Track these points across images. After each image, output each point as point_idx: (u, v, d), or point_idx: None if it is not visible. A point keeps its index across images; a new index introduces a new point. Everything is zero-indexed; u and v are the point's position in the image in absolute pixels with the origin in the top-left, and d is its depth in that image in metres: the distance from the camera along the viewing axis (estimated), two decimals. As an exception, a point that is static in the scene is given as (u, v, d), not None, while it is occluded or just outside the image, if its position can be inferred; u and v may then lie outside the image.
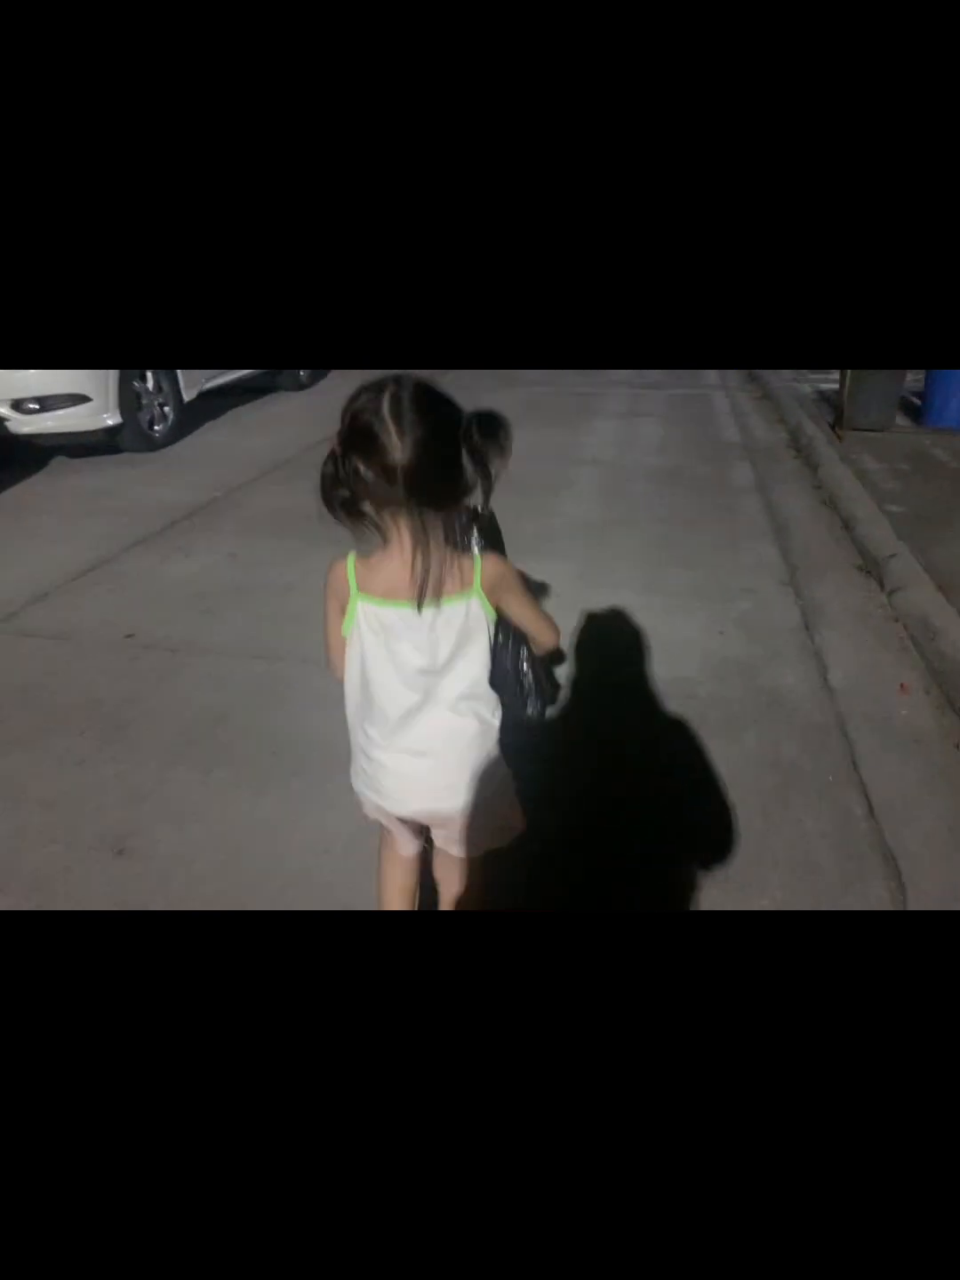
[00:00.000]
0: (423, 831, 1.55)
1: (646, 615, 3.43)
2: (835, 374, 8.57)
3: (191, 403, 6.58)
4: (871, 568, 3.89)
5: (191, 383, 6.58)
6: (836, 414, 6.16)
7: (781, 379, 8.43)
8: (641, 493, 5.07)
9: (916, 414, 6.34)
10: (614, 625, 3.34)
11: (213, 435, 6.75)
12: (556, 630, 1.40)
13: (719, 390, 8.45)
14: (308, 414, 7.64)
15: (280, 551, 4.22)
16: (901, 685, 2.90)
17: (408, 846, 1.59)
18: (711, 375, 9.32)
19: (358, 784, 1.46)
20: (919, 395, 6.41)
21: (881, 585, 3.72)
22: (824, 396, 7.51)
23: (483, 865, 1.55)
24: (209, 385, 6.88)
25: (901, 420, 6.29)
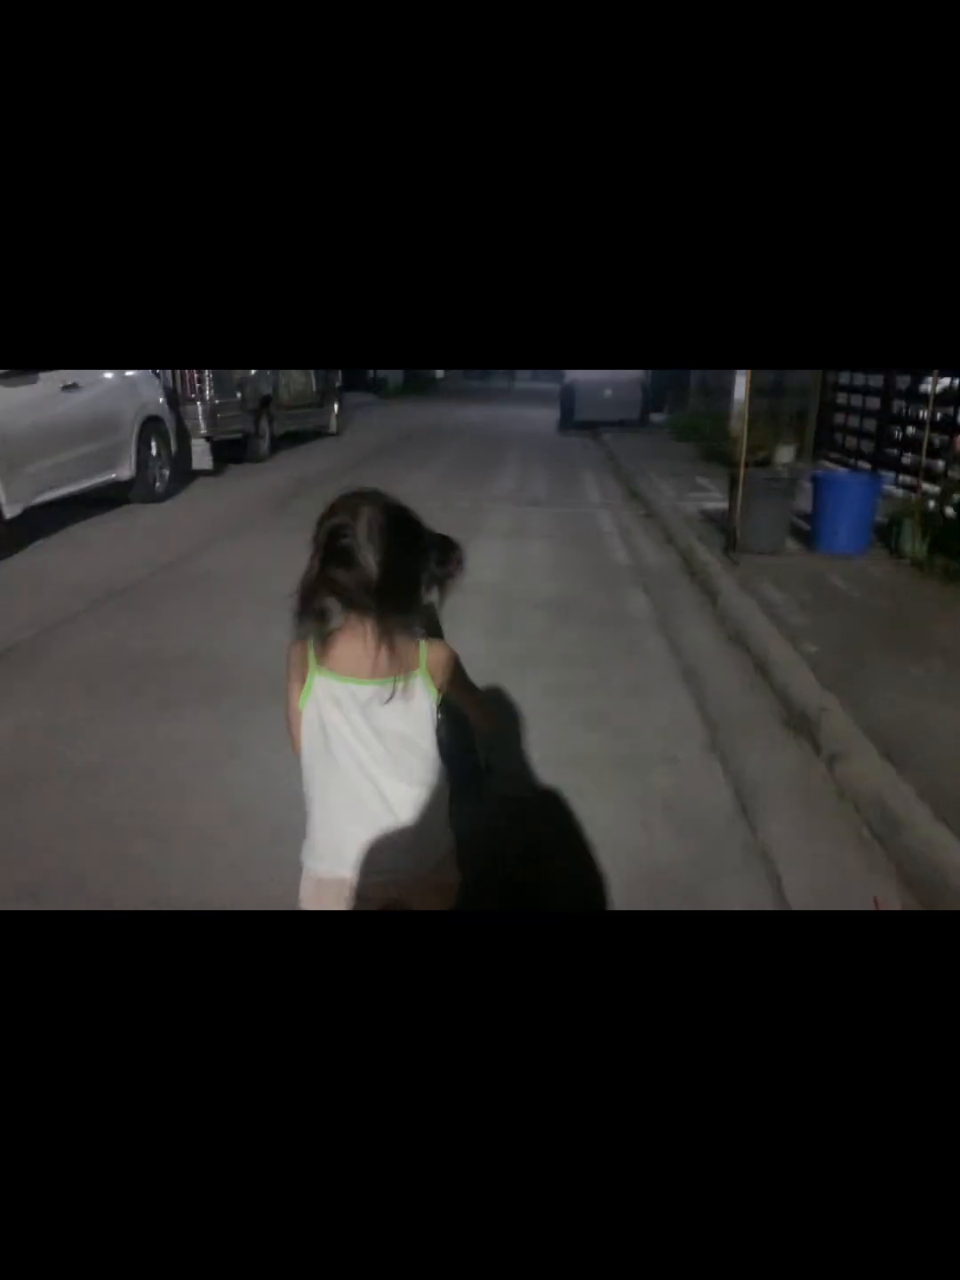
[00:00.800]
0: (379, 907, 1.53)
1: (551, 798, 2.76)
2: (716, 493, 8.49)
3: (16, 519, 5.66)
4: (801, 725, 3.37)
5: (16, 495, 5.67)
6: (729, 538, 5.85)
7: (664, 497, 8.23)
8: (535, 627, 4.50)
9: (806, 538, 6.12)
10: (516, 816, 2.64)
11: (41, 556, 5.82)
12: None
13: (603, 509, 8.16)
14: (161, 530, 6.82)
15: (90, 717, 3.37)
16: (874, 899, 2.30)
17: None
18: (594, 493, 9.08)
19: (309, 860, 1.47)
20: (806, 519, 6.21)
21: (817, 749, 3.19)
22: (709, 517, 7.29)
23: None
24: (41, 498, 5.98)
25: (791, 543, 6.05)
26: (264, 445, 10.50)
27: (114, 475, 7.14)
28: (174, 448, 8.14)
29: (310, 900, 1.47)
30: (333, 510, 1.30)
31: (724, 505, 7.75)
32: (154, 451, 7.75)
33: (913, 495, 6.81)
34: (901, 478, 7.38)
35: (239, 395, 9.61)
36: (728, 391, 15.61)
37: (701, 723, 3.42)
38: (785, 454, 10.21)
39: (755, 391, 13.42)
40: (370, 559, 1.25)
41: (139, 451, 7.43)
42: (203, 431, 8.84)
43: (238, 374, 9.61)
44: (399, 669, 1.34)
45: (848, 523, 5.75)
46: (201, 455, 8.88)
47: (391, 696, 1.34)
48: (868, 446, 8.53)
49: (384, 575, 1.25)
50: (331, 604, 1.30)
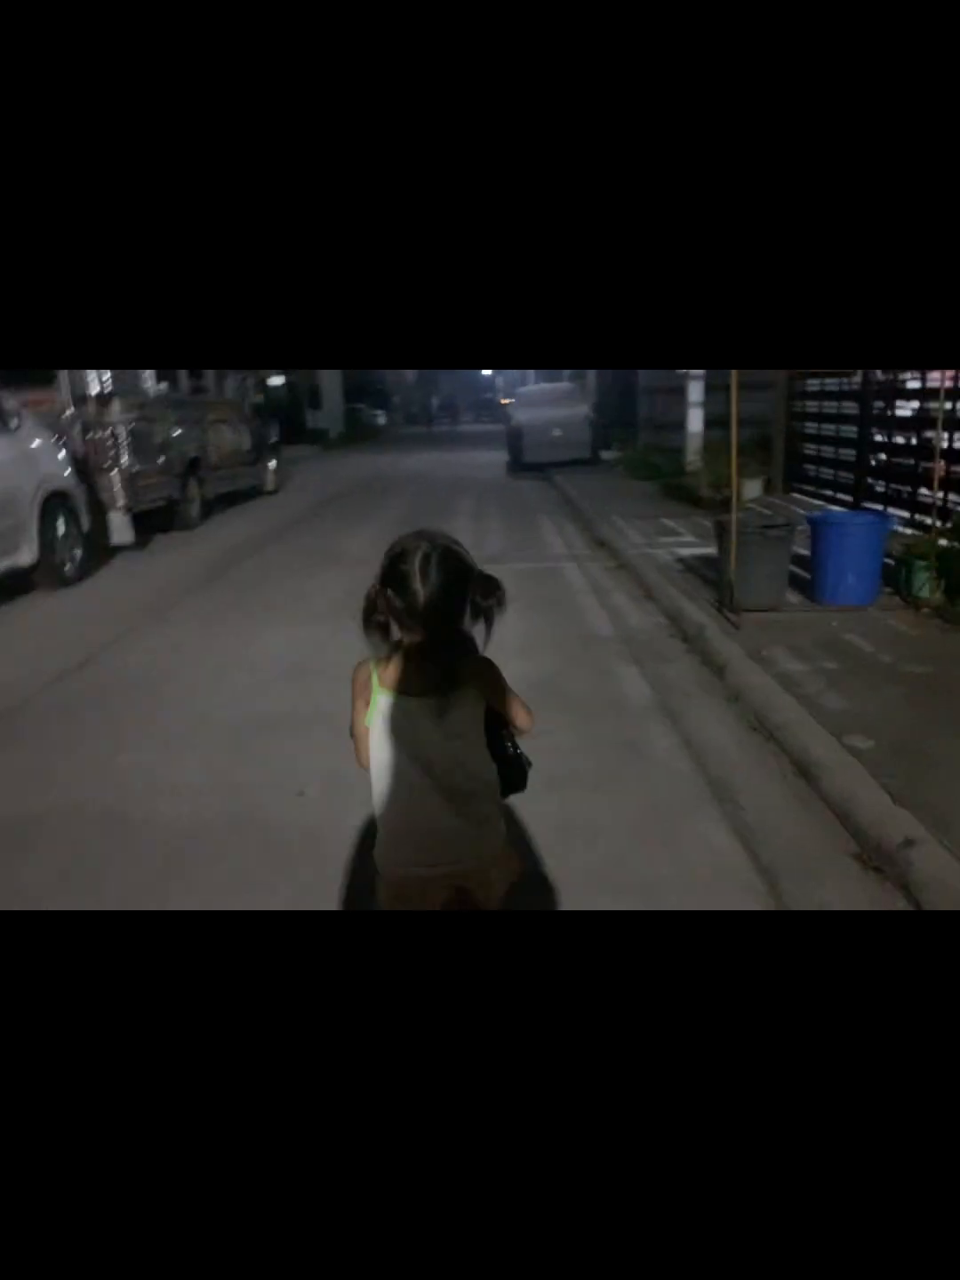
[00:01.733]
0: (452, 904, 1.61)
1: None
2: (689, 537, 7.75)
3: None
4: (883, 864, 2.52)
5: None
6: (726, 594, 5.06)
7: (633, 544, 7.46)
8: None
9: (805, 588, 5.36)
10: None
11: (-88, 669, 4.81)
12: (531, 715, 1.63)
13: (568, 561, 7.35)
14: (67, 622, 5.82)
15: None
16: None
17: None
18: (555, 543, 8.29)
19: (383, 863, 1.61)
20: (801, 564, 5.47)
21: (913, 899, 2.34)
22: (688, 566, 6.52)
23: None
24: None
25: (791, 596, 5.28)
26: (194, 511, 9.56)
27: (12, 561, 6.15)
28: (86, 524, 7.17)
29: (388, 900, 1.62)
30: (397, 543, 1.47)
31: (701, 550, 7.02)
32: (62, 531, 6.77)
33: (912, 531, 6.13)
34: (889, 510, 6.72)
35: (161, 460, 8.68)
36: (679, 425, 15.11)
37: (754, 869, 2.55)
38: (752, 489, 9.59)
39: (708, 422, 12.90)
40: (419, 587, 1.41)
41: (43, 532, 6.46)
42: (120, 503, 7.88)
43: (159, 436, 8.70)
44: (451, 682, 1.49)
45: (855, 569, 5.00)
46: (121, 529, 7.92)
47: (446, 708, 1.49)
48: (845, 478, 7.87)
49: (431, 601, 1.42)
50: (389, 622, 1.47)
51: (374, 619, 1.48)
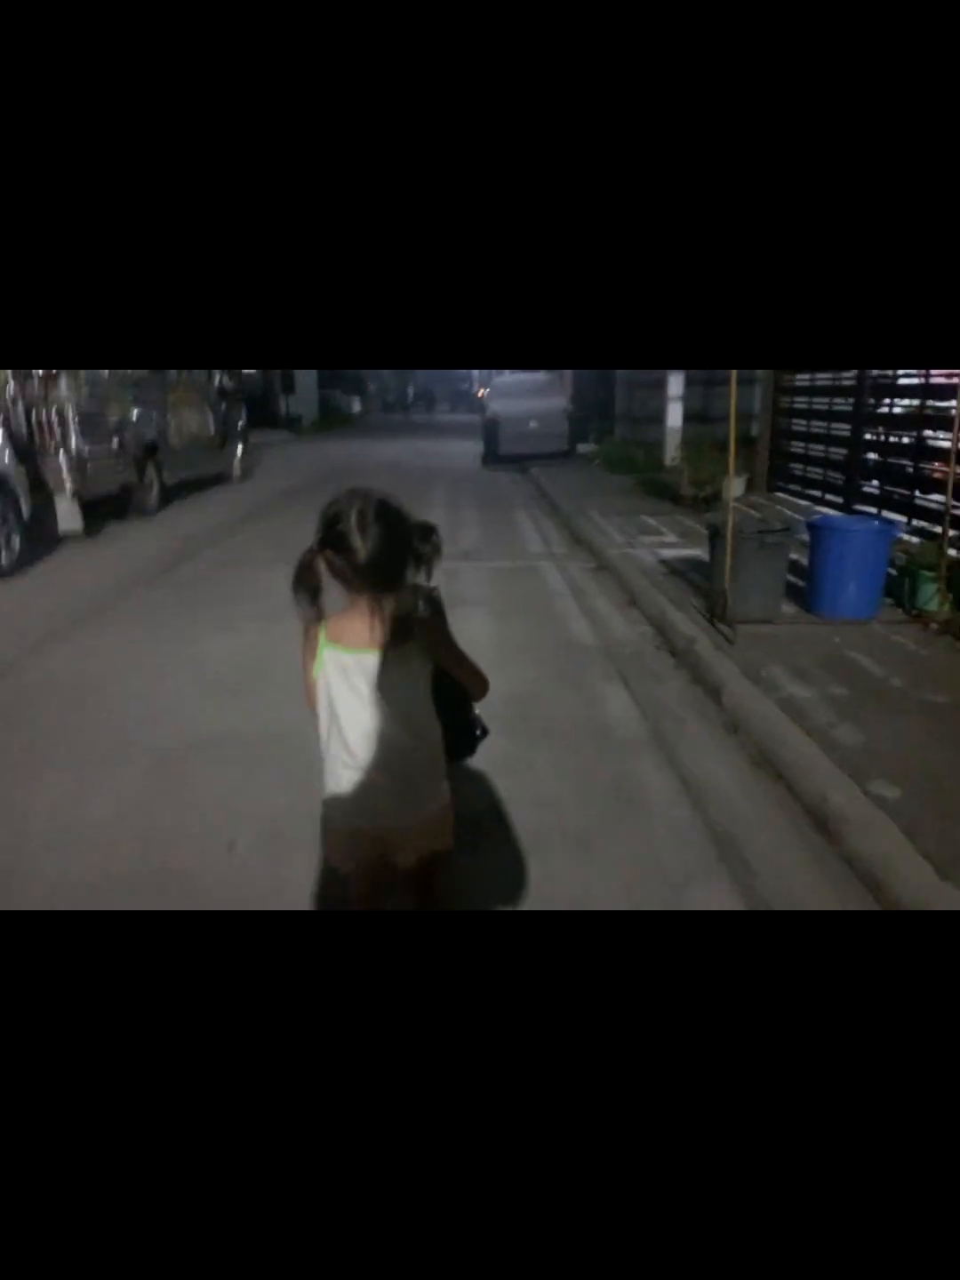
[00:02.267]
0: (377, 865, 1.64)
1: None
2: (671, 536, 7.28)
3: None
4: (933, 957, 2.06)
5: None
6: (718, 603, 4.58)
7: (613, 543, 6.97)
8: (486, 758, 3.12)
9: (800, 596, 4.90)
10: None
11: None
12: (485, 680, 1.62)
13: (546, 560, 6.84)
14: (8, 615, 5.22)
15: None
16: None
17: (374, 873, 1.67)
18: (533, 540, 7.77)
19: (325, 810, 1.62)
20: (798, 575, 5.01)
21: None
22: (673, 568, 6.04)
23: (429, 875, 1.72)
24: None
25: (787, 606, 4.82)
26: (152, 497, 8.91)
27: (-64, 550, 5.52)
28: (26, 510, 6.53)
29: (326, 848, 1.68)
30: (331, 503, 1.45)
31: (685, 552, 6.55)
32: (-3, 516, 6.14)
33: (914, 539, 5.70)
34: (883, 513, 6.28)
35: (116, 443, 8.02)
36: (657, 419, 14.63)
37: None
38: (735, 487, 9.13)
39: (686, 417, 12.44)
40: (359, 543, 1.40)
41: (-28, 518, 5.83)
42: (68, 488, 7.22)
43: (114, 417, 8.04)
44: (394, 639, 1.48)
45: (858, 580, 4.54)
46: (67, 516, 7.26)
47: (389, 663, 1.49)
48: (835, 478, 7.43)
49: (373, 556, 1.41)
50: (321, 583, 1.46)
51: (305, 583, 1.47)
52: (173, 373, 9.58)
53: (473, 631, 4.74)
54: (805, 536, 4.88)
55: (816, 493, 7.78)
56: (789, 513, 7.54)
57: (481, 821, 2.71)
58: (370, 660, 1.48)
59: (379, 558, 1.40)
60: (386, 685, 1.50)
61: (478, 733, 1.72)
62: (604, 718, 3.60)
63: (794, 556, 4.90)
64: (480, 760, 3.11)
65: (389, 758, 1.53)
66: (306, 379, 26.64)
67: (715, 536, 4.64)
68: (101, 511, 8.25)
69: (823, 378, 7.56)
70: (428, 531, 1.48)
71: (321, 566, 1.44)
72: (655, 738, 3.38)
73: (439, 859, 1.69)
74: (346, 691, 1.51)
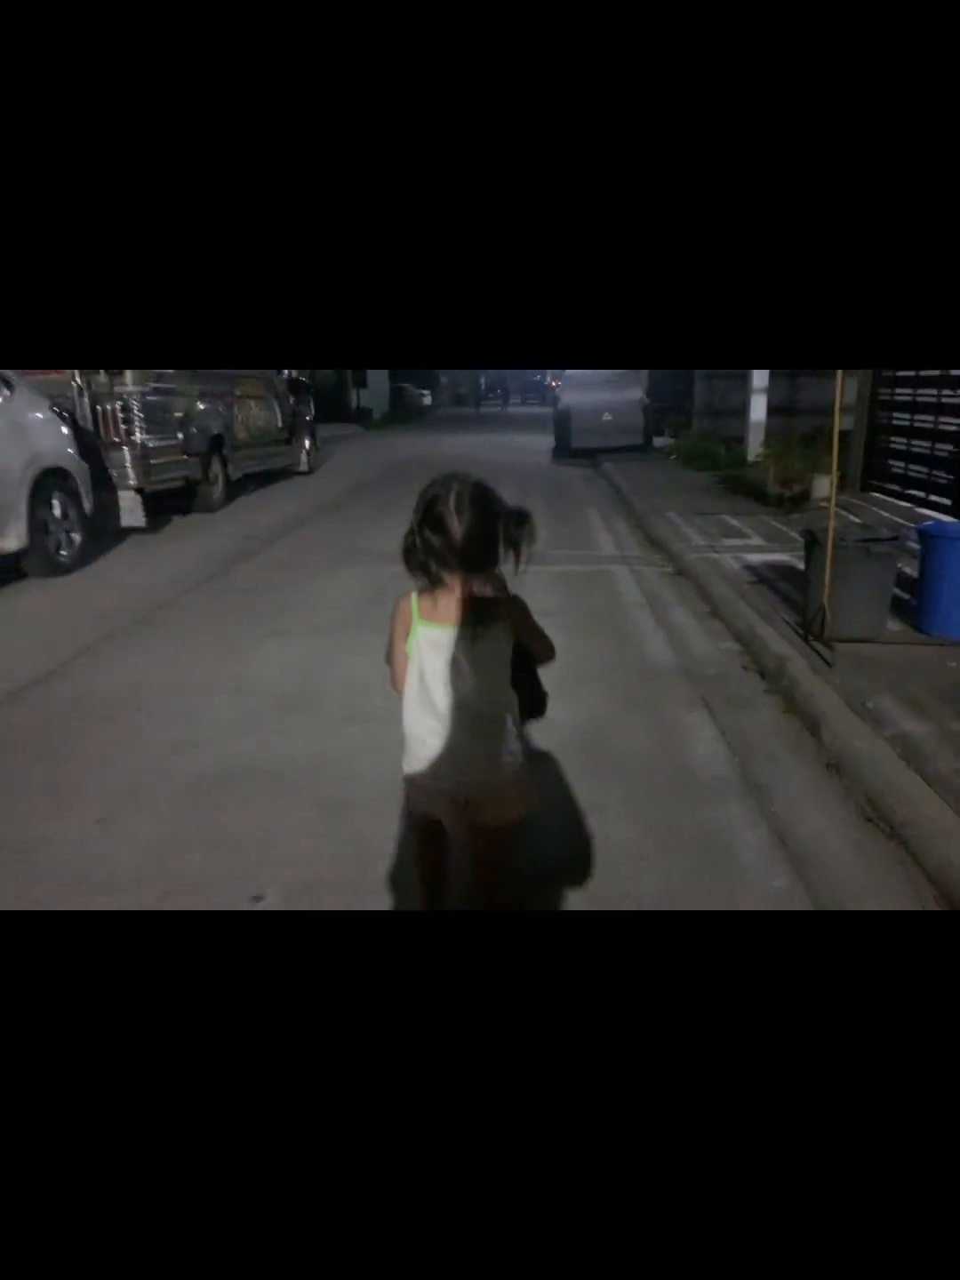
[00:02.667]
0: (452, 824, 1.78)
1: None
2: (756, 538, 6.72)
3: None
4: None
5: None
6: (815, 618, 4.08)
7: (692, 546, 6.46)
8: (557, 802, 2.72)
9: (906, 611, 4.35)
10: None
11: None
12: (554, 649, 1.76)
13: (619, 564, 6.38)
14: (47, 618, 5.03)
15: None
16: None
17: (436, 834, 1.85)
18: (604, 540, 7.31)
19: (409, 769, 1.75)
20: (904, 587, 4.46)
21: None
22: (759, 575, 5.52)
23: (507, 842, 1.83)
24: None
25: (892, 623, 4.28)
26: (216, 492, 8.76)
27: (-5, 547, 5.40)
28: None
29: (410, 801, 1.83)
30: (430, 487, 1.55)
31: (773, 557, 6.01)
32: (57, 512, 6.00)
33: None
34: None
35: (180, 436, 7.87)
36: (738, 412, 13.92)
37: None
38: (823, 486, 8.48)
39: (771, 410, 11.74)
40: (456, 525, 1.50)
41: (33, 513, 5.68)
42: (131, 482, 7.09)
43: (179, 411, 7.89)
44: (484, 616, 1.59)
45: (980, 594, 3.98)
46: (131, 510, 7.13)
47: (477, 639, 1.60)
48: (942, 478, 6.76)
49: (467, 538, 1.50)
50: (429, 561, 1.54)
51: (415, 558, 1.55)
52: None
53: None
54: (915, 544, 4.32)
55: (918, 493, 7.12)
56: (886, 514, 6.91)
57: (541, 881, 2.32)
58: (463, 635, 1.58)
59: (473, 539, 1.50)
60: (476, 659, 1.60)
61: (544, 695, 1.84)
62: (686, 754, 3.16)
63: (901, 567, 4.36)
64: (545, 800, 2.77)
65: (475, 724, 1.64)
66: (378, 372, 26.53)
67: (812, 544, 4.13)
68: (165, 506, 8.13)
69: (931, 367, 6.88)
70: (522, 517, 1.55)
71: (421, 545, 1.53)
72: (745, 780, 2.94)
73: (512, 829, 1.80)
74: (440, 664, 1.61)
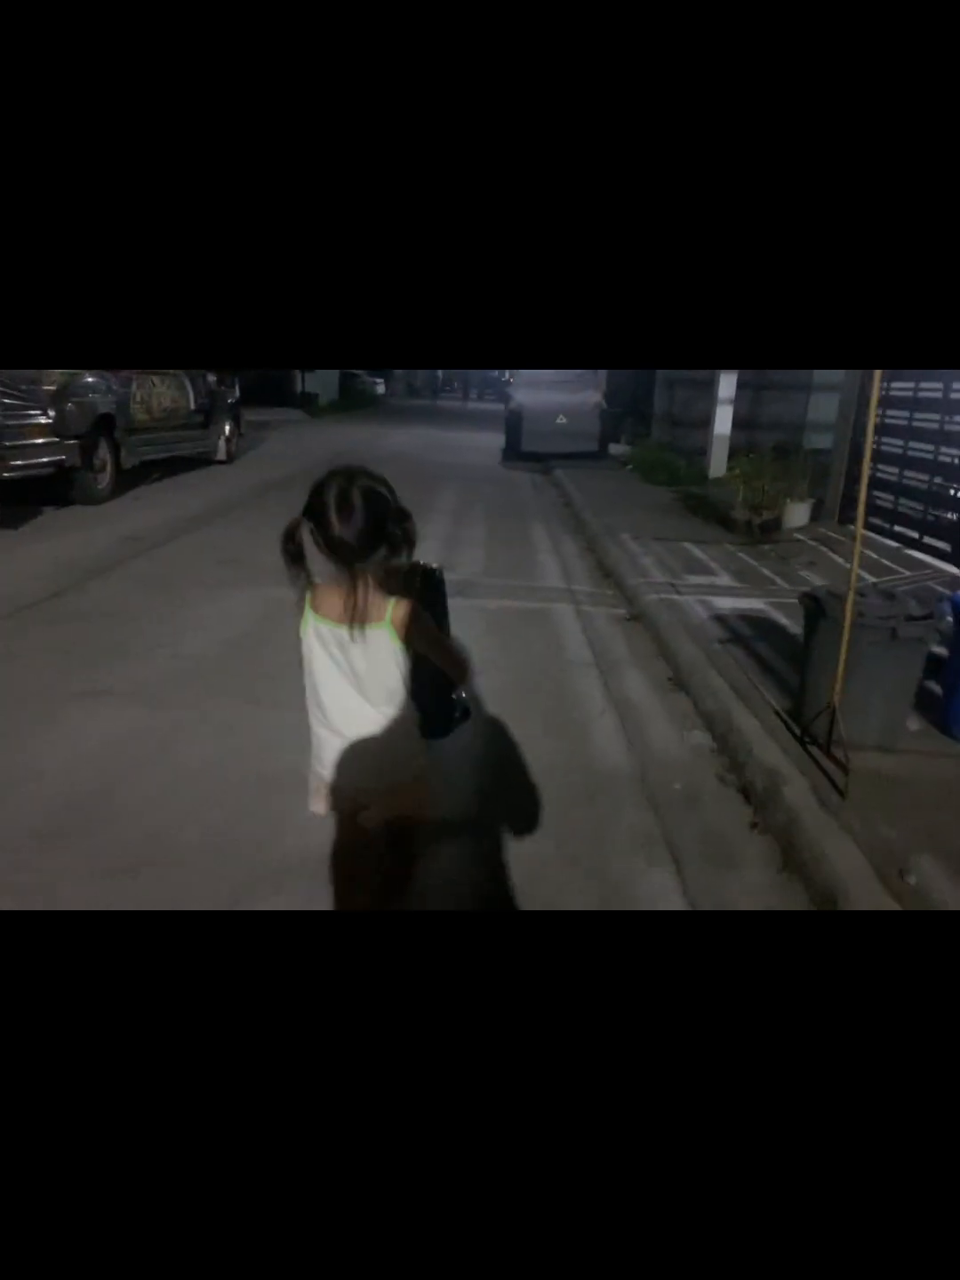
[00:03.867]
0: (349, 817, 1.74)
1: None
2: (725, 576, 5.64)
3: None
4: None
5: None
6: (815, 721, 2.98)
7: (651, 584, 5.36)
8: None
9: (928, 705, 3.30)
10: None
11: None
12: (464, 664, 1.70)
13: (565, 600, 5.24)
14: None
15: None
16: None
17: (345, 828, 1.80)
18: (550, 567, 6.15)
19: (312, 763, 1.71)
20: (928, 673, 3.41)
21: None
22: (732, 630, 4.44)
23: (407, 841, 1.88)
24: None
25: (914, 722, 3.22)
26: (102, 482, 7.38)
27: None
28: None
29: (312, 794, 1.74)
30: (320, 478, 1.50)
31: (746, 603, 4.94)
32: None
33: None
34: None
35: (51, 414, 6.49)
36: (700, 423, 12.90)
37: None
38: (797, 513, 7.49)
39: (736, 424, 10.76)
40: (335, 519, 1.45)
41: None
42: (-28, 467, 5.71)
43: (48, 384, 6.49)
44: (364, 617, 1.52)
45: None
46: (-25, 501, 5.75)
47: (360, 639, 1.54)
48: (943, 517, 5.76)
49: (343, 534, 1.46)
50: (303, 550, 1.51)
51: (288, 548, 1.53)
52: (142, 336, 8.03)
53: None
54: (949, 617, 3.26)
55: (909, 532, 6.12)
56: (873, 554, 5.92)
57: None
58: (344, 634, 1.53)
59: (351, 535, 1.45)
60: (358, 658, 1.56)
61: (457, 715, 1.76)
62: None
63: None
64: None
65: (357, 725, 1.60)
66: (328, 356, 25.00)
67: (816, 616, 3.04)
68: (36, 496, 6.76)
69: (930, 387, 5.88)
70: (403, 515, 1.51)
71: (305, 536, 1.50)
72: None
73: (411, 826, 1.81)
74: (326, 660, 1.58)
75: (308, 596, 1.57)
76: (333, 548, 1.46)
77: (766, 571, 5.74)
